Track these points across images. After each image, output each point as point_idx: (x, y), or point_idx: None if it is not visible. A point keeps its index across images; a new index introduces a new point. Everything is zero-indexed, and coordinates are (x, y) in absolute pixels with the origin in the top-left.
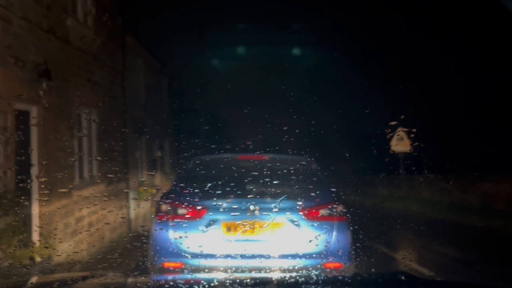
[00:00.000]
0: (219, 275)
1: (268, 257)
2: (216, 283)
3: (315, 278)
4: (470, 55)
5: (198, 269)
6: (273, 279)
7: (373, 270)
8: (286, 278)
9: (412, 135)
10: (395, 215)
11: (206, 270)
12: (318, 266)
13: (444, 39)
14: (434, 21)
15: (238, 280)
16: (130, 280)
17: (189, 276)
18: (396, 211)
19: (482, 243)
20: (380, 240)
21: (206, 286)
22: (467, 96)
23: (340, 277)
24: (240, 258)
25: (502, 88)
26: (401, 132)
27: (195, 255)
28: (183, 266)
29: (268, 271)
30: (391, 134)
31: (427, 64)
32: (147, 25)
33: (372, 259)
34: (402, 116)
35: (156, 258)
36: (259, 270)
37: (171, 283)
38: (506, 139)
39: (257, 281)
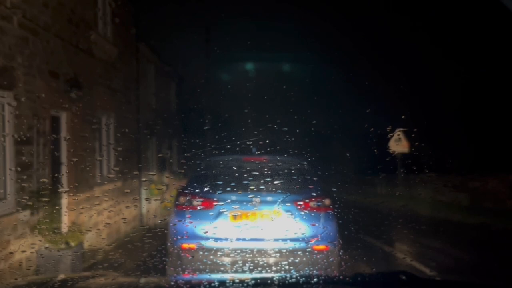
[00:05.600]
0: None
1: (267, 240)
2: (217, 283)
3: (316, 278)
4: (465, 56)
5: (209, 250)
6: (274, 279)
7: (373, 269)
8: (287, 278)
9: (412, 135)
10: (396, 215)
11: (216, 250)
12: (308, 248)
13: (442, 41)
14: (434, 22)
15: (238, 280)
16: (122, 280)
17: (190, 277)
18: (397, 211)
19: (483, 242)
20: (380, 240)
21: (207, 286)
22: (460, 98)
23: (340, 277)
24: (243, 241)
25: (494, 90)
26: (400, 132)
27: (207, 238)
28: (197, 247)
29: (266, 253)
30: (391, 135)
31: (421, 66)
32: (157, 33)
33: (373, 259)
34: (403, 116)
35: (175, 240)
36: (259, 251)
37: (172, 283)
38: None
39: (258, 281)
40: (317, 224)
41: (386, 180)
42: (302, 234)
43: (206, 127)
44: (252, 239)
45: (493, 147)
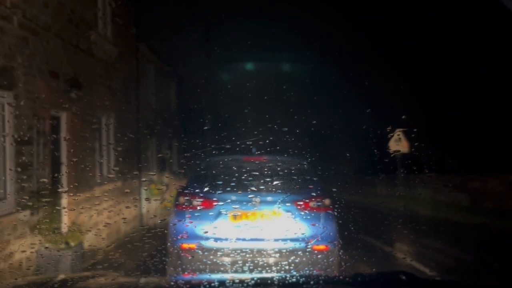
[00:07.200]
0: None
1: (267, 240)
2: (217, 283)
3: (316, 278)
4: (465, 56)
5: (209, 250)
6: (274, 279)
7: (373, 269)
8: (287, 278)
9: (412, 135)
10: (396, 215)
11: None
12: (308, 248)
13: (442, 41)
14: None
15: (238, 280)
16: (123, 280)
17: (190, 277)
18: (397, 211)
19: (483, 242)
20: (380, 240)
21: (207, 286)
22: (460, 98)
23: (340, 277)
24: (243, 241)
25: (494, 90)
26: (400, 132)
27: (207, 238)
28: (197, 247)
29: (266, 253)
30: (391, 135)
31: (423, 66)
32: (157, 33)
33: (373, 259)
34: (403, 116)
35: (175, 240)
36: (259, 251)
37: (172, 283)
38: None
39: (258, 281)
40: (317, 224)
41: (386, 180)
42: (302, 234)
43: (206, 127)
44: (252, 239)
45: (493, 147)
